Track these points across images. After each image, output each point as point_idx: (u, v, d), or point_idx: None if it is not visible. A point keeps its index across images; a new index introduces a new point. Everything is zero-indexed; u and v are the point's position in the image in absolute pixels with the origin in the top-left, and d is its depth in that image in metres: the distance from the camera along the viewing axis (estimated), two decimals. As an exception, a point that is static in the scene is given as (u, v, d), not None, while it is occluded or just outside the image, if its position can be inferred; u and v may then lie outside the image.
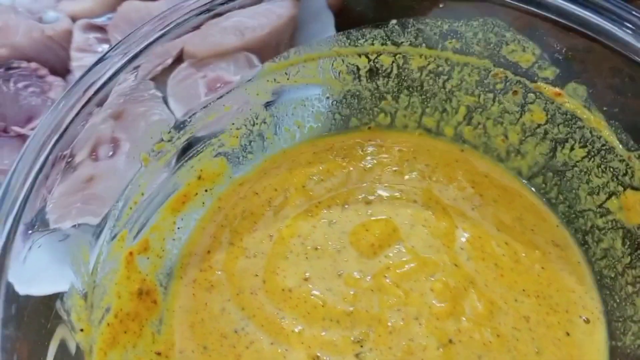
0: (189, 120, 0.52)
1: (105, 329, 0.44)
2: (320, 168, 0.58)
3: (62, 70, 0.65)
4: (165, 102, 0.51)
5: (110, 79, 0.44)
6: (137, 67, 0.47)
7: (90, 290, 0.44)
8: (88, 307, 0.43)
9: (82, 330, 0.42)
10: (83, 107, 0.43)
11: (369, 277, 0.51)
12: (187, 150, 0.54)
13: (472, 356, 0.46)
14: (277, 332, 0.48)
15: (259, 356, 0.47)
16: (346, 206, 0.55)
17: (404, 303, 0.49)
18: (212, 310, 0.50)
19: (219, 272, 0.52)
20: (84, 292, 0.43)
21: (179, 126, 0.52)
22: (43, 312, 0.40)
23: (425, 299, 0.49)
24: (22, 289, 0.37)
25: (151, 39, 0.46)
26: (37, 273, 0.39)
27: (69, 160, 0.43)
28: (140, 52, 0.46)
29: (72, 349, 0.41)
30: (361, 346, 0.47)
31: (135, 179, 0.49)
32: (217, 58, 0.55)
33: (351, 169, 0.58)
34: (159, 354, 0.48)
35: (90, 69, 0.44)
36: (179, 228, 0.54)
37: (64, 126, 0.42)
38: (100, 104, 0.44)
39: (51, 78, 0.63)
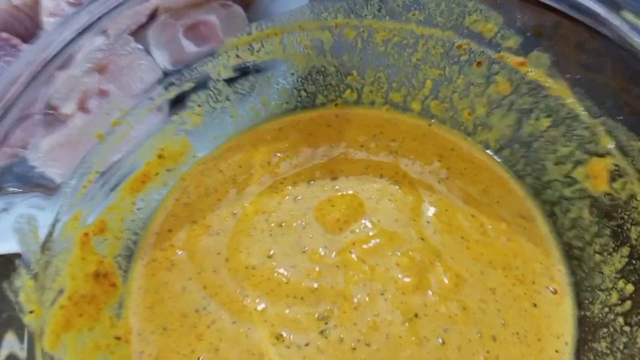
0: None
1: (58, 312, 0.43)
2: (286, 144, 0.57)
3: (29, 39, 0.64)
4: (149, 52, 0.51)
5: (73, 40, 0.43)
6: (105, 31, 0.46)
7: (41, 270, 0.42)
8: (38, 289, 0.42)
9: (31, 312, 0.40)
10: (44, 67, 0.42)
11: (334, 253, 0.50)
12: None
13: (438, 329, 0.45)
14: (239, 311, 0.47)
15: (220, 335, 0.46)
16: (312, 182, 0.54)
17: (369, 278, 0.48)
18: (172, 290, 0.49)
19: (180, 251, 0.51)
20: (34, 273, 0.41)
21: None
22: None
23: (391, 274, 0.48)
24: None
25: (117, 3, 0.45)
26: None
27: (49, 113, 0.44)
28: (105, 14, 0.45)
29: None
30: (326, 323, 0.46)
31: (88, 155, 0.47)
32: (193, 8, 0.55)
33: (317, 144, 0.57)
34: (118, 338, 0.47)
35: (52, 31, 0.43)
36: (138, 209, 0.53)
37: (20, 86, 0.41)
38: (64, 65, 0.43)
39: (25, 47, 0.61)
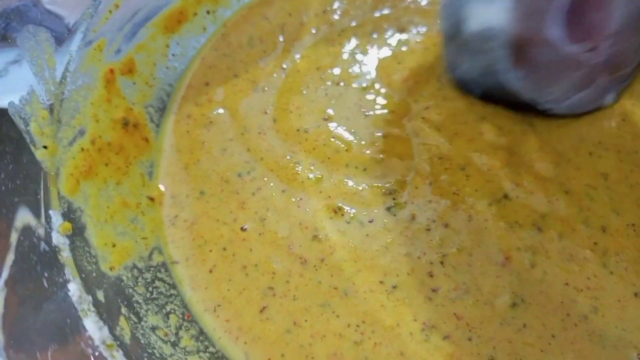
0: None
1: (79, 154, 0.35)
2: (348, -7, 0.47)
3: None
4: None
5: None
6: None
7: (57, 102, 0.34)
8: (54, 122, 0.34)
9: (45, 147, 0.33)
10: None
11: (405, 120, 0.41)
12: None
13: (533, 215, 0.37)
14: (289, 179, 0.40)
15: (267, 204, 0.39)
16: (374, 35, 0.45)
17: (447, 150, 0.40)
18: (210, 151, 0.41)
19: (220, 108, 0.43)
20: (48, 103, 0.34)
21: None
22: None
23: (474, 146, 0.39)
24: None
25: None
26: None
27: None
28: None
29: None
30: (394, 199, 0.38)
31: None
32: None
33: (386, -6, 0.47)
34: (151, 199, 0.40)
35: None
36: (173, 55, 0.44)
37: None
38: None
39: None
